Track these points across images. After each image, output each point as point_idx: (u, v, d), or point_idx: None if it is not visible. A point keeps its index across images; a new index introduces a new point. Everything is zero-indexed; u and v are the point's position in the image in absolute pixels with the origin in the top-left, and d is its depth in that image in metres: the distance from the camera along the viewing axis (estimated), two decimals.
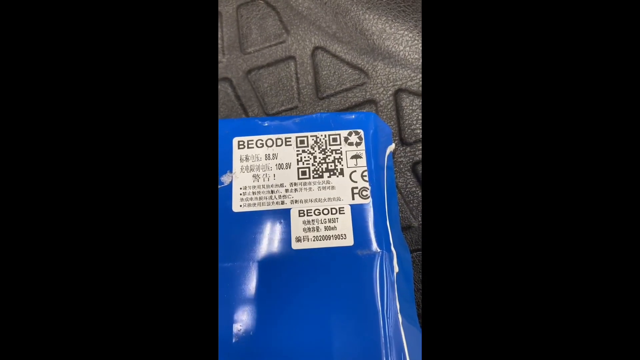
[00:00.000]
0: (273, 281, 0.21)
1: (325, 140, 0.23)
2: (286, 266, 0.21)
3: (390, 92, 0.28)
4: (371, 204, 0.22)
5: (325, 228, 0.21)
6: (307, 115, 0.23)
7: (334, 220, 0.21)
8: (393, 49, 0.28)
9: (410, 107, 0.27)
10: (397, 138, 0.27)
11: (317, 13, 0.30)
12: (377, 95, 0.28)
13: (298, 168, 0.22)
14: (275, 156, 0.22)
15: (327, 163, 0.22)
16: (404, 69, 0.28)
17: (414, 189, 0.26)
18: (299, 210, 0.22)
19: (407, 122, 0.27)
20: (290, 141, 0.23)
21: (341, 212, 0.22)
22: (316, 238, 0.21)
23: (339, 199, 0.22)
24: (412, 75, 0.28)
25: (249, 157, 0.22)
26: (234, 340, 0.20)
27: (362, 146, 0.22)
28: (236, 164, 0.22)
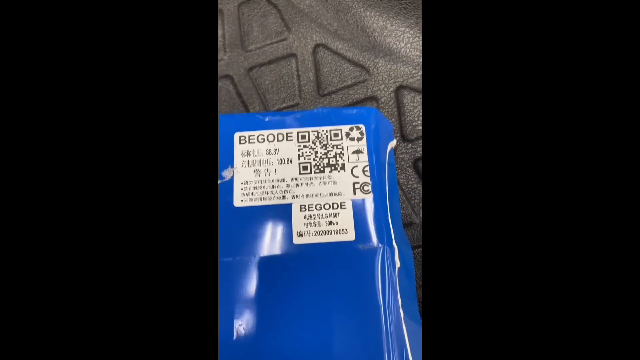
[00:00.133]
0: (274, 276, 0.21)
1: (327, 136, 0.23)
2: (287, 261, 0.21)
3: (391, 89, 0.28)
4: (372, 199, 0.22)
5: (327, 223, 0.21)
6: (308, 111, 0.23)
7: (335, 215, 0.21)
8: (394, 46, 0.29)
9: (412, 104, 0.27)
10: (398, 135, 0.27)
11: (318, 11, 0.30)
12: (379, 92, 0.28)
13: (299, 163, 0.22)
14: (276, 151, 0.22)
15: (329, 158, 0.22)
16: (405, 66, 0.28)
17: (415, 185, 0.26)
18: (300, 205, 0.22)
19: (408, 119, 0.27)
20: (291, 136, 0.23)
21: (342, 207, 0.22)
22: (317, 233, 0.21)
23: (340, 194, 0.22)
24: (414, 72, 0.28)
25: (250, 152, 0.22)
26: (234, 335, 0.20)
27: (364, 141, 0.22)
28: (237, 158, 0.22)
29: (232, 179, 0.22)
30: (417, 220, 0.26)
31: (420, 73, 0.28)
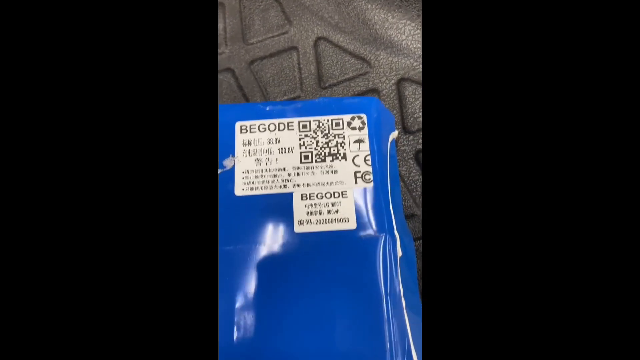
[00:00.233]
0: (275, 264, 0.20)
1: (328, 125, 0.23)
2: (288, 249, 0.21)
3: (392, 82, 0.28)
4: (374, 188, 0.22)
5: (328, 212, 0.21)
6: (310, 100, 0.23)
7: (336, 204, 0.21)
8: (395, 39, 0.29)
9: (413, 96, 0.27)
10: (400, 127, 0.27)
11: (319, 4, 0.30)
12: (380, 85, 0.28)
13: (300, 152, 0.22)
14: (277, 140, 0.22)
15: (330, 147, 0.22)
16: (406, 58, 0.28)
17: (417, 177, 0.26)
18: (302, 194, 0.21)
19: (410, 111, 0.27)
20: (292, 126, 0.23)
21: (344, 196, 0.21)
22: (319, 222, 0.21)
23: (341, 183, 0.22)
24: (415, 64, 0.28)
25: (251, 142, 0.22)
26: (235, 323, 0.20)
27: (365, 130, 0.22)
28: (238, 148, 0.22)
29: (233, 168, 0.22)
30: (419, 212, 0.26)
31: (421, 65, 0.28)
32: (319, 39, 0.29)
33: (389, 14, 0.29)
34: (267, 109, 0.23)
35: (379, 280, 0.20)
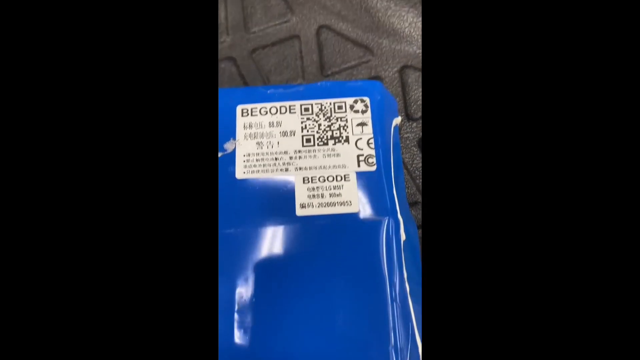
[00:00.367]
0: (276, 247, 0.20)
1: (330, 108, 0.22)
2: (290, 232, 0.20)
3: (395, 69, 0.28)
4: (377, 171, 0.21)
5: (330, 195, 0.21)
6: (312, 84, 0.23)
7: (339, 187, 0.21)
8: (398, 26, 0.28)
9: (416, 84, 0.27)
10: (403, 114, 0.27)
11: None
12: (383, 72, 0.28)
13: (302, 135, 0.22)
14: (279, 124, 0.22)
15: (332, 130, 0.22)
16: (408, 46, 0.28)
17: (420, 164, 0.26)
18: (304, 177, 0.21)
19: (412, 98, 0.27)
20: (294, 109, 0.22)
21: (346, 179, 0.21)
22: (321, 205, 0.21)
23: (344, 166, 0.21)
24: (417, 51, 0.28)
25: (253, 125, 0.22)
26: (235, 307, 0.19)
27: (368, 114, 0.22)
28: (240, 131, 0.22)
29: (234, 151, 0.22)
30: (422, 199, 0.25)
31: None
32: (321, 27, 0.29)
33: (391, 2, 0.29)
34: (269, 92, 0.23)
35: (382, 264, 0.20)
